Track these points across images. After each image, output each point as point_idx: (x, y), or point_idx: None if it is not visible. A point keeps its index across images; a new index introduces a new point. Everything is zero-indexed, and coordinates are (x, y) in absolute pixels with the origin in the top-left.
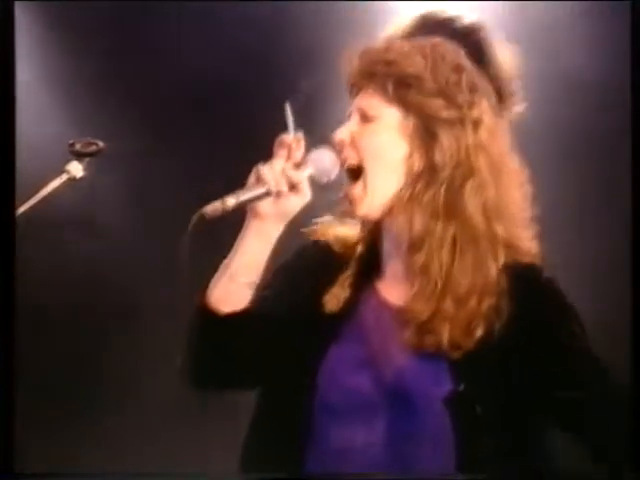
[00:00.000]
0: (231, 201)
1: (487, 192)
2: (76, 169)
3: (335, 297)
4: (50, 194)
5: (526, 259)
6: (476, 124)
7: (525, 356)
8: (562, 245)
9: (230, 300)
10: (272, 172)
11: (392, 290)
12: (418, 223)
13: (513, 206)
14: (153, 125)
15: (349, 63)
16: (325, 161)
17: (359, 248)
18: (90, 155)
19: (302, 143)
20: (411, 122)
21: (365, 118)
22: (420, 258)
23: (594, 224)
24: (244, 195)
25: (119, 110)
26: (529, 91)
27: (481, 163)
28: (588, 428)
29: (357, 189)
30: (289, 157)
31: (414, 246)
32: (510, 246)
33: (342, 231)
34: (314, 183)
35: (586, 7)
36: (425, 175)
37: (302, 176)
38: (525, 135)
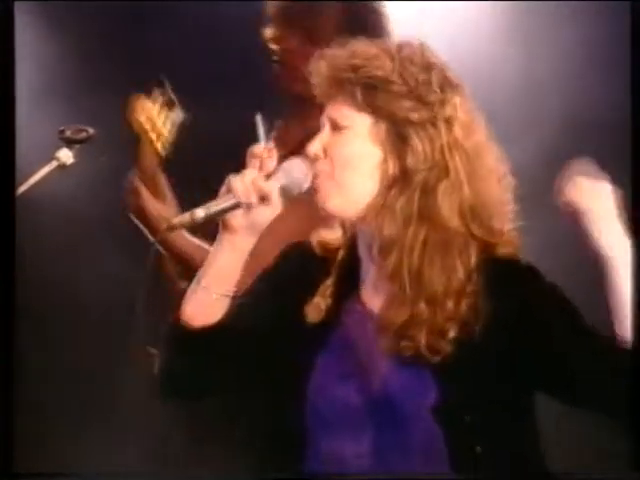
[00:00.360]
0: (200, 213)
1: (462, 190)
2: (66, 156)
3: (317, 307)
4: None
5: (505, 252)
6: (449, 122)
7: (513, 345)
8: (562, 244)
9: (204, 313)
10: (242, 183)
11: (373, 297)
12: (389, 228)
13: (492, 200)
14: None
15: (318, 72)
16: (296, 171)
17: (341, 253)
18: (80, 142)
19: (274, 153)
20: (382, 127)
21: (336, 128)
22: (390, 262)
23: None
24: (214, 207)
25: (120, 110)
26: (528, 91)
27: (456, 161)
28: (587, 412)
29: (326, 182)
30: (261, 168)
31: (384, 250)
32: (488, 243)
33: (325, 235)
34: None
35: (585, 7)
36: (399, 180)
37: (272, 187)
38: (524, 135)
